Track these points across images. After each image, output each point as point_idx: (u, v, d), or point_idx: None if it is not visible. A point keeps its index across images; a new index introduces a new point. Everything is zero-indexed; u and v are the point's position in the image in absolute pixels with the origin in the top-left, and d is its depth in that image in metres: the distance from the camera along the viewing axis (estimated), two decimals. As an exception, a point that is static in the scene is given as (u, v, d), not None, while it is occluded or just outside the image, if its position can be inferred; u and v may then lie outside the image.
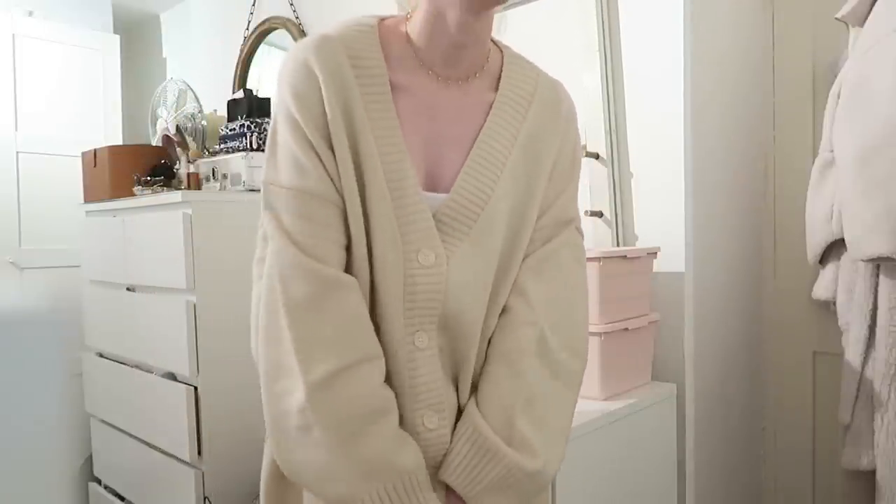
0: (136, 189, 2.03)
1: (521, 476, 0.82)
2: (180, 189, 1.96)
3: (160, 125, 2.21)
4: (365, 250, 0.81)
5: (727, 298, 1.71)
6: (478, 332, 0.85)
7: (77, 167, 2.75)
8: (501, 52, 0.91)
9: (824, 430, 1.75)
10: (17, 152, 2.89)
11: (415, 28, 0.84)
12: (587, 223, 1.69)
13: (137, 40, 3.72)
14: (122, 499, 2.15)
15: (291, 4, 2.52)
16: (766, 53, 1.81)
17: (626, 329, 1.38)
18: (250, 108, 2.01)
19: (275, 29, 2.65)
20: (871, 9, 1.39)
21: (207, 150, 2.13)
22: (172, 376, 1.82)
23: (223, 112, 2.16)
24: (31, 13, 3.02)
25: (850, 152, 1.33)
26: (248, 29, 2.75)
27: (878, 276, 1.36)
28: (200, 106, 2.19)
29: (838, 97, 1.40)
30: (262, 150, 1.91)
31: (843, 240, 1.42)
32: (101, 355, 2.19)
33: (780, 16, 1.79)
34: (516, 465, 0.81)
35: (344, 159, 0.79)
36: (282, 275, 0.78)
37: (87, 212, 2.26)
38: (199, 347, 1.72)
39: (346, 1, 2.25)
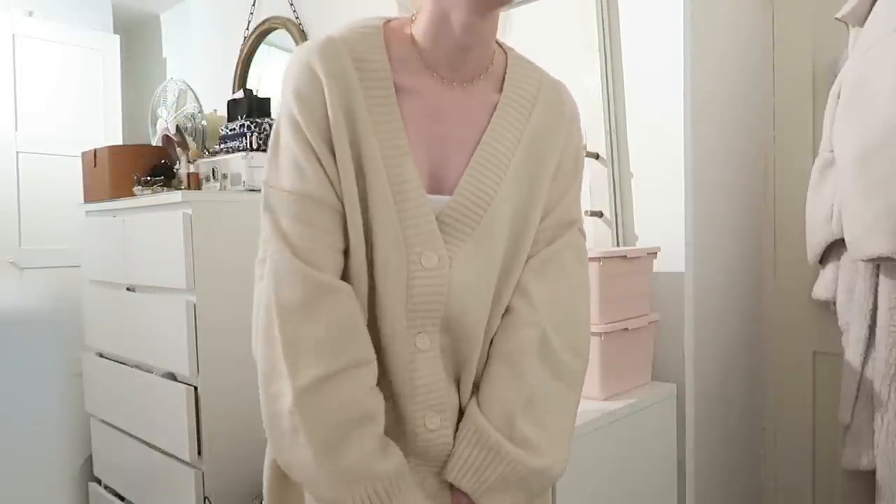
0: (136, 189, 2.03)
1: (524, 472, 0.82)
2: (180, 189, 1.96)
3: (160, 125, 2.21)
4: (364, 254, 0.81)
5: (727, 298, 1.71)
6: (481, 333, 0.85)
7: (77, 167, 2.75)
8: (506, 53, 0.91)
9: (824, 430, 1.75)
10: (17, 152, 2.89)
11: (419, 30, 0.84)
12: (587, 223, 1.69)
13: (137, 40, 3.72)
14: (122, 499, 2.15)
15: (291, 4, 2.52)
16: (766, 53, 1.81)
17: (626, 329, 1.38)
18: (250, 108, 2.01)
19: (275, 29, 2.65)
20: (871, 9, 1.39)
21: (207, 150, 2.13)
22: (172, 376, 1.82)
23: (223, 112, 2.16)
24: (31, 13, 3.02)
25: (850, 152, 1.33)
26: (248, 29, 2.75)
27: (878, 276, 1.36)
28: (200, 106, 2.19)
29: (838, 97, 1.40)
30: (262, 150, 1.91)
31: (843, 240, 1.42)
32: (101, 355, 2.19)
33: (780, 16, 1.79)
34: (520, 462, 0.82)
35: (345, 162, 0.79)
36: (276, 278, 0.78)
37: (87, 212, 2.26)
38: (199, 347, 1.72)
39: (346, 1, 2.25)
